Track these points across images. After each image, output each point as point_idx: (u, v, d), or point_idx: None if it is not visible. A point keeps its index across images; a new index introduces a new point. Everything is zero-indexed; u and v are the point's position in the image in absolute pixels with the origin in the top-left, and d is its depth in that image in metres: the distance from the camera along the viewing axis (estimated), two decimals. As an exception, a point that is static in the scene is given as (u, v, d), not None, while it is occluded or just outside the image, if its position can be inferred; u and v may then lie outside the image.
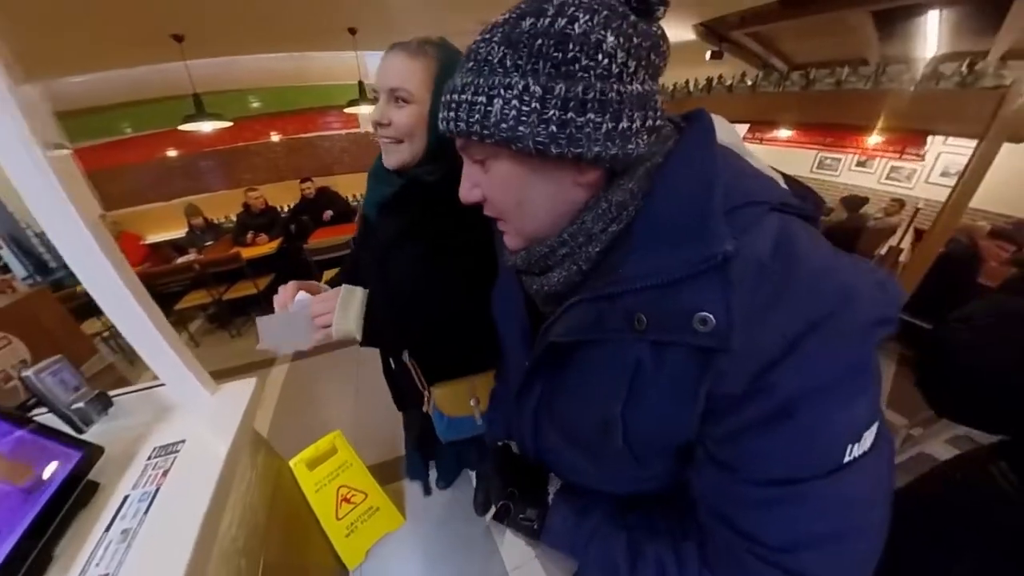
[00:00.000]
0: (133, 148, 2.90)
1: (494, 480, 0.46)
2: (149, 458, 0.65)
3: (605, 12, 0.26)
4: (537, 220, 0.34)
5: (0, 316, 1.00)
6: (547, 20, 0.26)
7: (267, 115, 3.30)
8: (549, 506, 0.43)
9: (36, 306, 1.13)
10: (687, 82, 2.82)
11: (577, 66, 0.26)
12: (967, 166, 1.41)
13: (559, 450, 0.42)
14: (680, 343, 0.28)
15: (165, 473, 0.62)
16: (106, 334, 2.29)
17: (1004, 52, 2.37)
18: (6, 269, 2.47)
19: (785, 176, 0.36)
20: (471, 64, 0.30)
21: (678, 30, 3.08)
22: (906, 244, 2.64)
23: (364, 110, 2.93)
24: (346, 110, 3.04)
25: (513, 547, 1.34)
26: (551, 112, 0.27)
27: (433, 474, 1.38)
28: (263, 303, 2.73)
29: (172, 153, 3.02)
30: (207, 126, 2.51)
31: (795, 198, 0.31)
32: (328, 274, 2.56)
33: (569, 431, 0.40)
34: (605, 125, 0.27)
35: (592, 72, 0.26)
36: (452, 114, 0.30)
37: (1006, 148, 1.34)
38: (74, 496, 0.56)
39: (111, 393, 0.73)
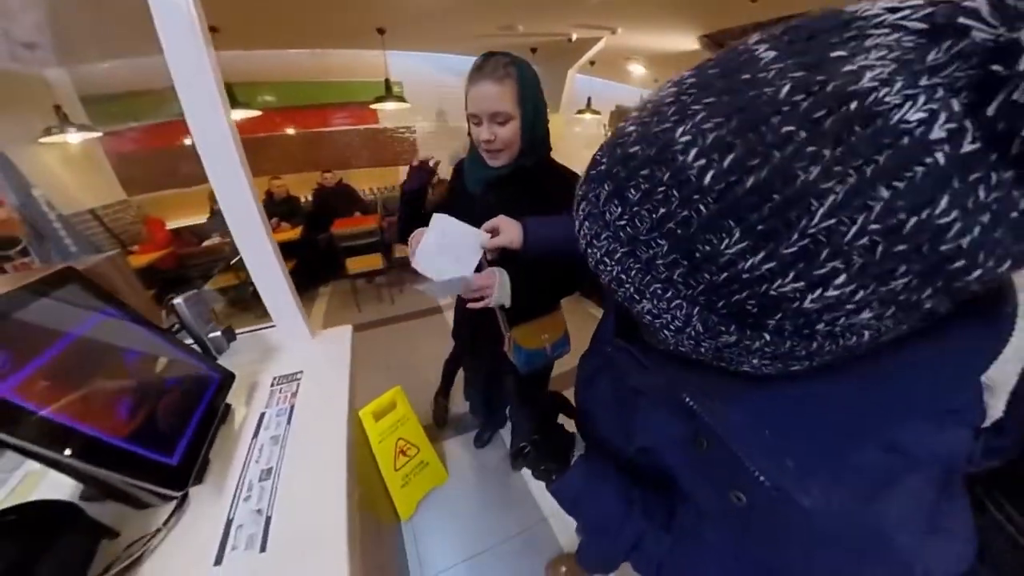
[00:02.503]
0: (155, 134, 2.92)
1: (524, 424, 0.49)
2: (272, 385, 0.73)
3: (908, 277, 0.14)
4: None
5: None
6: (767, 266, 0.15)
7: (288, 108, 3.37)
8: (570, 464, 0.45)
9: (110, 272, 1.18)
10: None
11: (772, 325, 0.17)
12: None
13: (606, 400, 0.45)
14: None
15: (294, 395, 0.70)
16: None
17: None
18: (26, 252, 2.46)
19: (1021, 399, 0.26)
20: (624, 223, 0.19)
21: (685, 41, 3.29)
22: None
23: (389, 106, 3.03)
24: (372, 106, 3.13)
25: (548, 497, 1.43)
26: (704, 345, 0.21)
27: (466, 445, 1.49)
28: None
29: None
30: (236, 115, 2.57)
31: (967, 449, 0.24)
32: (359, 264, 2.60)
33: (617, 399, 0.43)
34: (772, 365, 0.21)
35: (789, 333, 0.17)
36: (593, 258, 0.23)
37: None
38: (220, 410, 0.64)
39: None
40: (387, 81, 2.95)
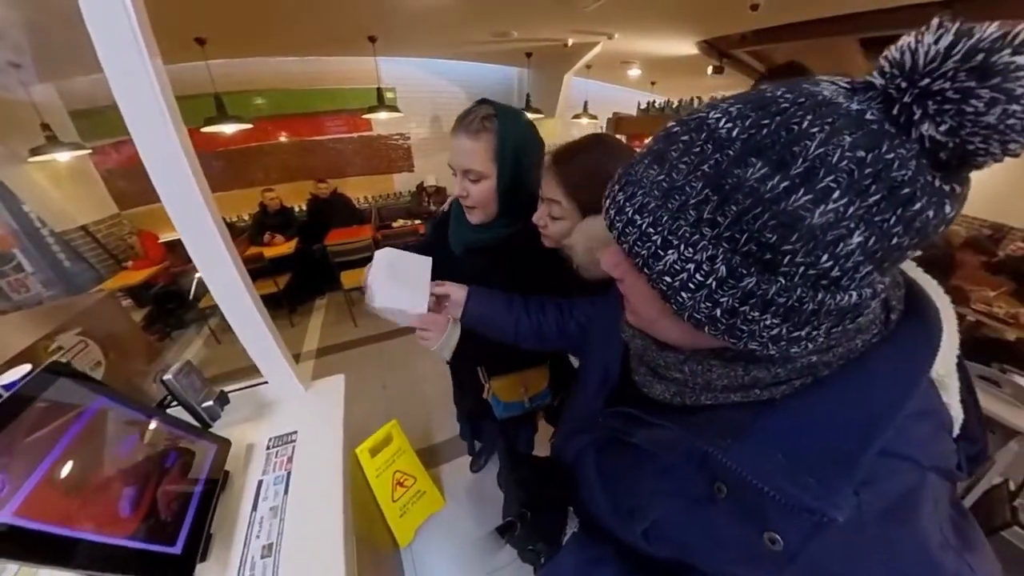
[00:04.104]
0: (145, 147, 2.88)
1: (515, 493, 0.45)
2: (268, 448, 0.75)
3: (877, 196, 0.19)
4: (662, 336, 0.31)
5: (77, 320, 1.07)
6: (784, 183, 0.20)
7: (281, 116, 3.32)
8: (563, 545, 0.42)
9: (106, 311, 1.20)
10: (692, 100, 2.97)
11: (787, 260, 0.20)
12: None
13: (591, 485, 0.42)
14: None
15: (289, 459, 0.72)
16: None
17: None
18: (20, 268, 2.45)
19: (973, 405, 0.31)
20: (662, 178, 0.24)
21: (682, 46, 3.24)
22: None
23: (381, 116, 2.99)
24: (365, 116, 3.09)
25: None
26: (724, 298, 0.22)
27: (462, 470, 1.54)
28: (284, 301, 2.77)
29: (184, 152, 3.00)
30: (228, 128, 2.54)
31: (955, 454, 0.28)
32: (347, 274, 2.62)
33: (605, 483, 0.41)
34: (779, 329, 0.23)
35: (800, 273, 0.21)
36: (619, 224, 0.26)
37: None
38: (219, 481, 0.66)
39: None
40: (379, 90, 2.91)
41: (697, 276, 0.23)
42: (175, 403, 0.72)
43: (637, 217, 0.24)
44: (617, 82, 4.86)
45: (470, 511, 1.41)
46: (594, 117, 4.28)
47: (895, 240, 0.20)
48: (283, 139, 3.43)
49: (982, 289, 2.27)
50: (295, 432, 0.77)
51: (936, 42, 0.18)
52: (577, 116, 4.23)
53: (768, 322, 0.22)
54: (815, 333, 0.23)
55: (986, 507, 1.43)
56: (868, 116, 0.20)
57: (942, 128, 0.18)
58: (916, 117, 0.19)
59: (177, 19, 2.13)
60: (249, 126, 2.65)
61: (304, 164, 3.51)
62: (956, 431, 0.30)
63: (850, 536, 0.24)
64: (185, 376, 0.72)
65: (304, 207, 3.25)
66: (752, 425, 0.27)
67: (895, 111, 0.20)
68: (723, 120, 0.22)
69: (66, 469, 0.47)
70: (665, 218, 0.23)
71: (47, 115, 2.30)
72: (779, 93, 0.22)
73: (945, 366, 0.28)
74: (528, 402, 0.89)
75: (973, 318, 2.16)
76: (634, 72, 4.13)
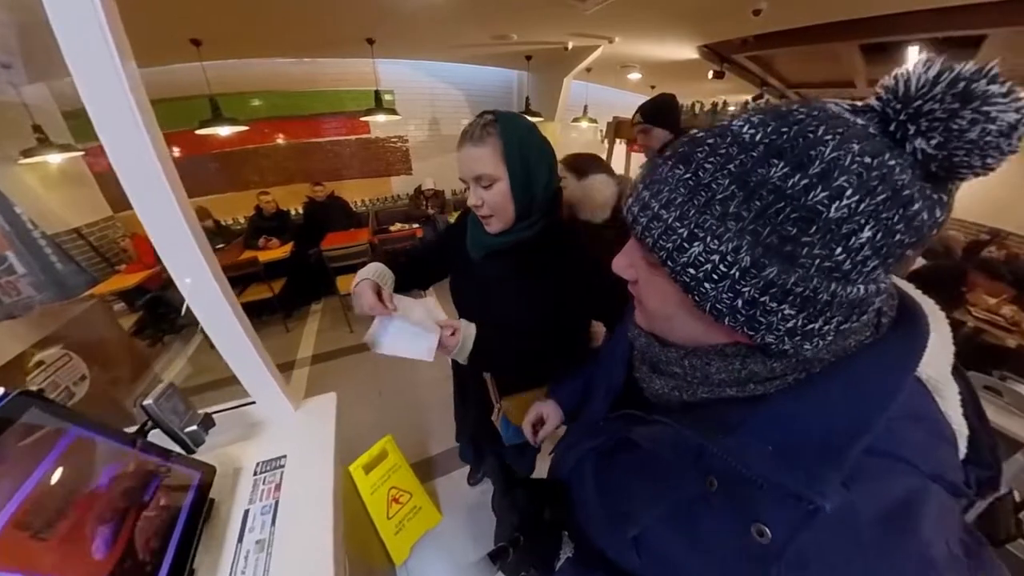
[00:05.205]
0: (139, 149, 2.84)
1: (508, 516, 0.45)
2: (255, 473, 0.72)
3: (883, 195, 0.21)
4: (673, 335, 0.32)
5: (60, 333, 1.03)
6: (803, 181, 0.22)
7: (277, 118, 3.28)
8: (555, 571, 0.42)
9: (92, 322, 1.16)
10: (692, 104, 2.96)
11: (805, 252, 0.22)
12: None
13: (587, 492, 0.42)
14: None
15: (277, 487, 0.69)
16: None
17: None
18: (11, 271, 2.41)
19: (984, 430, 0.30)
20: (688, 176, 0.25)
21: (683, 50, 3.23)
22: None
23: (380, 118, 2.96)
24: (362, 118, 3.06)
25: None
26: (746, 288, 0.24)
27: (459, 483, 1.52)
28: (278, 306, 2.73)
29: (179, 153, 2.99)
30: (224, 130, 2.50)
31: (962, 470, 0.28)
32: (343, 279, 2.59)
33: (601, 489, 0.41)
34: (795, 321, 0.24)
35: (817, 264, 0.22)
36: (643, 220, 0.27)
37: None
38: (203, 511, 0.63)
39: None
40: (377, 93, 2.88)
41: (721, 267, 0.24)
42: (157, 428, 0.68)
43: (663, 212, 0.26)
44: (617, 86, 4.85)
45: (467, 526, 1.38)
46: (594, 121, 4.27)
47: (898, 237, 0.22)
48: (279, 141, 3.39)
49: (978, 292, 2.25)
50: (284, 456, 0.74)
51: (926, 71, 0.21)
52: (577, 119, 4.21)
53: (785, 312, 0.24)
54: (826, 328, 0.24)
55: (990, 519, 1.41)
56: (871, 130, 0.23)
57: (932, 142, 0.21)
58: (911, 133, 0.22)
59: (172, 20, 2.10)
60: (245, 128, 2.61)
61: (301, 167, 3.48)
62: (963, 448, 0.29)
63: (844, 536, 0.23)
64: (167, 400, 0.68)
65: (300, 210, 3.21)
66: (745, 419, 0.28)
67: (892, 128, 0.23)
68: (746, 127, 0.24)
69: (35, 509, 0.44)
70: (692, 212, 0.25)
71: (40, 116, 2.26)
72: (794, 107, 0.24)
73: (936, 369, 0.29)
74: None
75: (973, 324, 2.15)
76: (634, 76, 4.12)
